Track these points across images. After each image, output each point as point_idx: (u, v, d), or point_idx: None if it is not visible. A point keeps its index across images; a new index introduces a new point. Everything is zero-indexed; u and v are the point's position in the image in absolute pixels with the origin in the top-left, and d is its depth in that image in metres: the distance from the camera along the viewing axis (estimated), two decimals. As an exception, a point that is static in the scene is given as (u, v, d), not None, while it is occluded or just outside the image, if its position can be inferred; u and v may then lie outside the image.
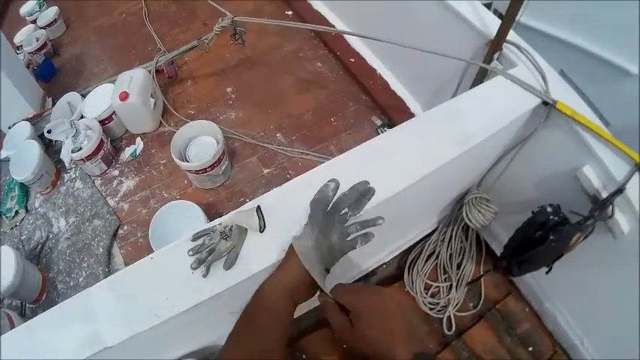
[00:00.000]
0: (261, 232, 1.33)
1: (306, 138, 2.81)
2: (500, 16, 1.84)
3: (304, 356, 2.05)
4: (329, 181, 1.16)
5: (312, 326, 2.11)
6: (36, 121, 3.12)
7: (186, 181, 2.74)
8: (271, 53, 3.37)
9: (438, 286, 2.31)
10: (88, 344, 1.20)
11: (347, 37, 3.19)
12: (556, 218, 1.64)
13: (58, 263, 2.58)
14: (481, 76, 2.00)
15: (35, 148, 2.79)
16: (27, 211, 2.86)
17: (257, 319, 0.96)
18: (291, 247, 1.06)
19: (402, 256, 2.41)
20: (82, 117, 2.95)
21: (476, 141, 1.52)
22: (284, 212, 1.32)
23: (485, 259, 2.37)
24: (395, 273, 2.41)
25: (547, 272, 1.80)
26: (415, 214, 2.17)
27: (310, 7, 3.41)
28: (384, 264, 2.40)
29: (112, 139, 3.01)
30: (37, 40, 3.79)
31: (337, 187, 1.14)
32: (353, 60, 3.09)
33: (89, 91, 3.11)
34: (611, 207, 1.54)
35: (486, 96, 1.70)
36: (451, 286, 2.30)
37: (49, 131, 2.73)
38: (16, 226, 2.80)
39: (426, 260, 2.35)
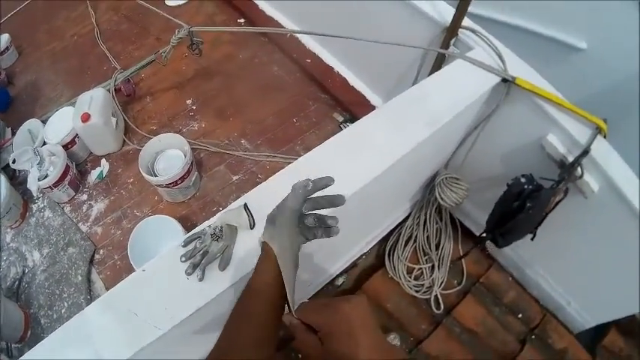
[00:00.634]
0: (251, 228, 1.34)
1: (271, 141, 2.81)
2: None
3: (300, 355, 2.02)
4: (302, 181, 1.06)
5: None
6: None
7: (156, 197, 2.70)
8: (227, 62, 3.35)
9: (421, 268, 2.34)
10: None
11: (302, 38, 3.19)
12: (530, 187, 1.71)
13: (38, 297, 2.49)
14: (439, 63, 2.04)
15: (1, 181, 2.67)
16: None
17: (250, 308, 0.93)
18: (265, 247, 0.99)
19: (380, 245, 2.43)
20: (44, 143, 2.86)
21: (444, 120, 1.57)
22: (271, 207, 1.27)
23: (462, 237, 2.42)
24: (375, 262, 2.43)
25: (532, 239, 1.87)
26: (388, 201, 2.19)
27: (262, 13, 3.37)
28: (363, 255, 2.41)
29: (77, 163, 2.93)
30: None
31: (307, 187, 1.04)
32: (309, 60, 3.09)
33: (49, 117, 3.03)
34: (579, 168, 1.61)
35: (448, 79, 1.75)
36: (433, 266, 2.33)
37: (13, 161, 2.65)
38: None
39: (405, 245, 2.37)
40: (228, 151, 2.78)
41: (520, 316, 2.24)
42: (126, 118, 3.03)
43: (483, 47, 1.84)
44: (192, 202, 2.64)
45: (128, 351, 1.17)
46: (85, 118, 2.68)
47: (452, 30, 1.87)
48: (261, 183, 1.44)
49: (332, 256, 2.22)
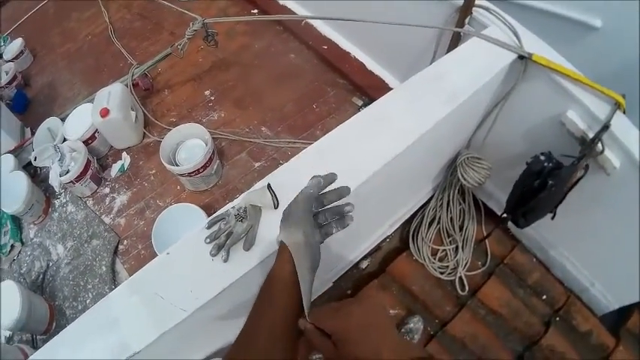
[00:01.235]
0: (275, 208, 1.36)
1: (291, 128, 2.86)
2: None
3: None
4: (312, 179, 1.04)
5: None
6: (18, 152, 3.12)
7: (179, 187, 2.77)
8: (243, 52, 3.41)
9: (445, 250, 2.36)
10: (113, 354, 1.20)
11: (317, 25, 3.23)
12: (550, 164, 1.71)
13: (63, 290, 2.57)
14: (455, 42, 2.06)
15: (22, 179, 2.78)
16: (22, 243, 2.84)
17: (274, 298, 0.92)
18: (282, 245, 0.98)
19: (403, 227, 2.46)
20: (64, 140, 2.94)
21: (462, 98, 1.58)
22: (295, 187, 1.27)
23: (486, 218, 2.43)
24: (399, 244, 2.46)
25: (552, 218, 1.87)
26: (410, 182, 2.22)
27: (275, 2, 3.43)
28: (387, 237, 2.43)
29: (98, 158, 3.02)
30: (7, 74, 3.76)
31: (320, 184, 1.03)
32: (326, 47, 3.13)
33: (68, 114, 3.11)
34: (600, 144, 1.60)
35: (464, 57, 1.76)
36: (457, 247, 2.35)
37: (35, 159, 2.74)
38: (14, 260, 2.78)
39: (429, 227, 2.40)
40: (249, 139, 2.84)
41: (544, 297, 2.25)
42: (145, 112, 3.11)
43: (498, 25, 1.85)
44: (215, 190, 2.70)
45: (154, 333, 1.21)
46: (104, 113, 2.75)
47: (466, 8, 1.90)
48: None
49: (356, 240, 2.24)
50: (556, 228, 1.94)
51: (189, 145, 2.69)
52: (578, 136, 1.70)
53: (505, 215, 2.04)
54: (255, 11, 3.66)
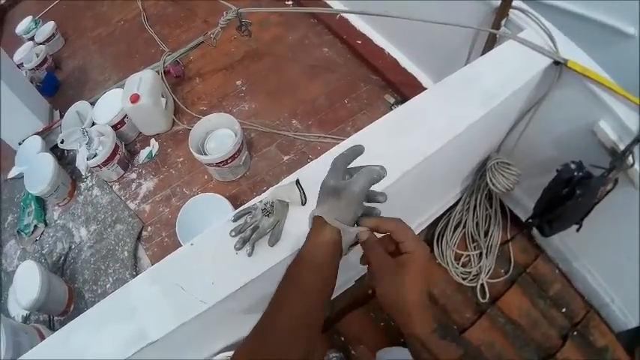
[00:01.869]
0: (303, 204, 1.36)
1: (322, 122, 2.87)
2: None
3: (343, 338, 2.10)
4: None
5: (348, 307, 2.17)
6: (46, 134, 3.19)
7: (206, 176, 2.80)
8: (276, 44, 3.43)
9: (469, 255, 2.37)
10: (131, 341, 1.23)
11: (351, 19, 3.25)
12: (580, 174, 1.69)
13: (83, 273, 2.63)
14: (490, 43, 2.06)
15: (49, 160, 2.85)
16: (46, 224, 2.91)
17: (301, 279, 0.91)
18: (312, 218, 0.97)
19: (428, 230, 2.47)
20: (93, 124, 3.01)
21: (498, 100, 1.58)
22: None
23: (511, 225, 2.43)
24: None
25: (577, 230, 1.86)
26: (439, 184, 2.23)
27: None
28: None
29: (126, 143, 3.08)
30: (37, 56, 3.87)
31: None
32: (360, 42, 3.15)
33: (97, 99, 3.18)
34: (630, 156, 1.59)
35: (500, 59, 1.76)
36: (481, 253, 2.36)
37: (62, 141, 2.80)
38: (37, 240, 2.85)
39: (454, 230, 2.41)
40: (278, 132, 2.86)
41: (564, 310, 2.23)
42: (175, 99, 3.16)
43: (534, 28, 1.84)
44: (242, 181, 2.73)
45: (173, 323, 1.22)
46: (135, 98, 2.81)
47: (502, 10, 1.89)
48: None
49: None
50: (581, 240, 1.93)
51: (218, 134, 2.72)
52: (608, 147, 1.69)
53: (531, 221, 2.03)
54: (290, 2, 3.70)
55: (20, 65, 3.89)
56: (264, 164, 2.78)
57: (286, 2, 3.72)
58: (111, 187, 2.95)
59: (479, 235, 2.39)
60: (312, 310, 0.88)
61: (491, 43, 2.07)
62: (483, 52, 2.07)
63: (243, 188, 2.71)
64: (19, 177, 3.11)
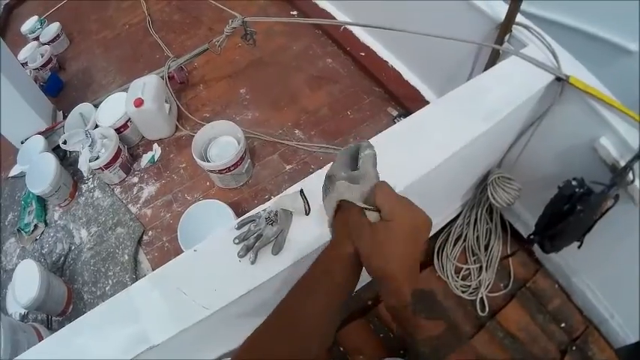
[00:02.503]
0: (306, 214, 1.39)
1: (324, 132, 2.90)
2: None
3: (342, 348, 2.12)
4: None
5: (348, 318, 2.18)
6: (49, 134, 3.22)
7: (208, 183, 2.82)
8: (280, 53, 3.46)
9: (469, 269, 2.39)
10: (132, 345, 1.24)
11: (356, 31, 3.28)
12: (581, 190, 1.72)
13: (83, 274, 2.64)
14: (493, 59, 2.10)
15: (51, 161, 2.87)
16: (46, 224, 2.93)
17: (316, 287, 0.87)
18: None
19: (428, 243, 2.47)
20: (96, 126, 3.03)
21: (500, 116, 1.61)
22: None
23: (511, 239, 2.45)
24: (423, 259, 2.47)
25: (579, 247, 1.88)
26: (440, 198, 2.24)
27: (315, 5, 3.50)
28: None
29: (129, 147, 3.10)
30: (42, 57, 3.89)
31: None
32: (363, 54, 3.18)
33: (101, 101, 3.20)
34: (631, 173, 1.61)
35: (503, 75, 1.79)
36: (481, 267, 2.38)
37: (64, 142, 2.80)
38: (36, 240, 2.87)
39: (454, 244, 2.43)
40: (281, 141, 2.88)
41: (563, 325, 2.25)
42: (179, 105, 3.18)
43: (537, 44, 1.88)
44: (244, 189, 2.75)
45: (174, 328, 1.24)
46: (138, 103, 2.83)
47: (506, 26, 1.92)
48: (314, 173, 1.45)
49: None
50: (581, 255, 1.93)
51: (221, 141, 2.76)
52: (609, 164, 1.71)
53: (532, 237, 2.05)
54: (295, 13, 3.72)
55: (24, 64, 3.90)
56: (266, 173, 2.80)
57: (291, 12, 3.74)
58: (112, 190, 2.97)
59: (479, 248, 2.42)
60: (321, 324, 0.84)
61: (494, 58, 2.10)
62: (486, 68, 2.13)
63: (245, 196, 2.73)
64: (21, 176, 3.14)
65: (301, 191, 1.40)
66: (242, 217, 1.41)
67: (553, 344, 2.20)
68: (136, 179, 3.00)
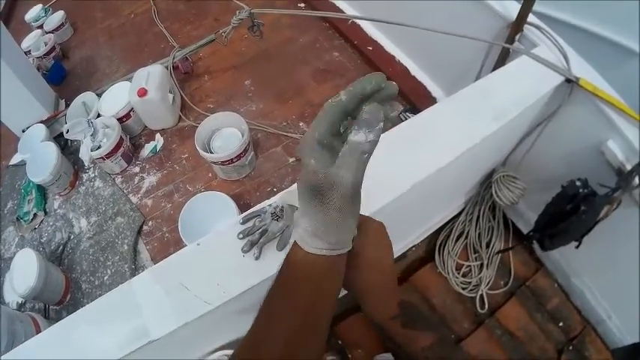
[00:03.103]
0: None
1: None
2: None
3: (340, 342, 2.13)
4: None
5: (348, 311, 2.18)
6: (50, 123, 3.21)
7: (210, 174, 2.83)
8: (287, 46, 3.47)
9: (469, 266, 2.41)
10: (131, 338, 1.23)
11: (364, 25, 3.29)
12: (585, 191, 1.72)
13: (81, 263, 2.64)
14: (503, 58, 2.11)
15: (52, 149, 2.86)
16: (46, 213, 2.93)
17: (294, 293, 0.76)
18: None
19: (430, 238, 2.50)
20: (98, 116, 3.03)
21: (510, 116, 1.61)
22: None
23: (513, 238, 2.47)
24: (424, 255, 2.50)
25: (577, 247, 1.87)
26: (444, 195, 2.26)
27: None
28: (413, 246, 2.47)
29: (131, 137, 3.10)
30: (45, 45, 3.91)
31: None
32: (371, 48, 3.18)
33: (104, 90, 3.21)
34: (636, 177, 1.61)
35: (513, 75, 1.79)
36: (482, 265, 2.39)
37: (67, 131, 2.81)
38: (35, 229, 2.87)
39: (456, 241, 2.44)
40: (285, 133, 2.89)
41: (561, 324, 2.27)
42: (183, 95, 3.19)
43: (548, 45, 1.87)
44: (247, 181, 2.75)
45: (175, 323, 1.23)
46: (142, 92, 2.83)
47: (517, 25, 1.93)
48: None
49: None
50: (581, 256, 1.94)
51: (225, 133, 2.76)
52: (615, 167, 1.72)
53: (532, 234, 2.05)
54: (302, 5, 3.72)
55: (27, 53, 3.91)
56: (269, 165, 2.81)
57: (299, 5, 3.74)
58: (113, 179, 2.97)
59: (480, 246, 2.43)
60: (308, 332, 0.76)
61: (503, 57, 2.11)
62: (495, 66, 2.14)
63: (247, 188, 2.73)
64: (21, 164, 3.15)
65: None
66: (247, 212, 1.41)
67: (551, 343, 2.22)
68: (137, 169, 3.00)
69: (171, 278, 1.30)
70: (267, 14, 2.66)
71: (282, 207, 1.35)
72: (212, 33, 3.00)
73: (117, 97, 3.09)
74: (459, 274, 2.40)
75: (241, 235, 1.34)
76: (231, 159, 2.56)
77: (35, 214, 2.91)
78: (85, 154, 2.88)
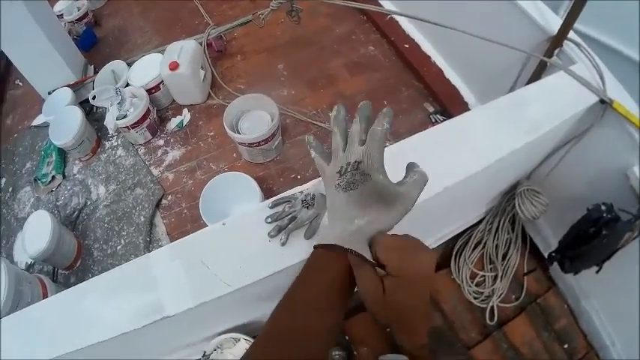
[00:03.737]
0: None
1: None
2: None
3: (347, 337, 2.17)
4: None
5: (357, 308, 2.14)
6: (77, 87, 3.27)
7: (235, 154, 2.86)
8: (323, 34, 3.50)
9: (484, 276, 2.43)
10: (144, 312, 1.24)
11: (402, 22, 3.31)
12: (609, 216, 1.72)
13: (95, 230, 2.70)
14: (539, 71, 2.13)
15: (77, 114, 2.92)
16: (64, 177, 2.99)
17: (308, 283, 0.89)
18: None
19: (448, 243, 2.51)
20: (127, 85, 3.08)
21: (543, 131, 1.61)
22: None
23: (529, 253, 2.50)
24: (440, 260, 2.53)
25: (597, 271, 1.89)
26: (468, 202, 2.27)
27: None
28: None
29: (158, 109, 3.15)
30: (78, 10, 3.95)
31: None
32: (407, 46, 3.21)
33: (135, 60, 3.26)
34: None
35: (550, 89, 1.80)
36: (496, 276, 2.41)
37: (93, 97, 2.83)
38: (52, 191, 2.93)
39: (473, 249, 2.47)
40: (314, 122, 2.93)
41: (566, 346, 2.29)
42: (214, 73, 3.23)
43: (585, 63, 1.88)
44: (271, 165, 2.79)
45: (191, 301, 1.23)
46: (174, 66, 2.88)
47: (558, 40, 1.94)
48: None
49: None
50: (594, 279, 1.94)
51: (254, 115, 2.80)
52: (638, 194, 1.73)
53: (554, 255, 2.06)
54: (342, -5, 3.78)
55: (60, 16, 3.94)
56: (295, 151, 2.84)
57: (338, -6, 3.77)
58: (136, 150, 3.02)
59: (497, 257, 2.45)
60: (313, 326, 0.86)
61: (540, 70, 2.13)
62: (531, 79, 2.17)
63: (271, 172, 2.77)
64: (44, 126, 3.20)
65: None
66: (277, 197, 1.40)
67: (553, 364, 2.21)
68: (161, 142, 3.05)
69: (192, 256, 1.31)
70: (307, 0, 2.71)
71: (314, 195, 1.35)
72: (247, 13, 3.05)
73: (147, 68, 3.14)
74: (472, 282, 2.43)
75: (269, 220, 1.33)
76: (259, 142, 2.60)
77: (53, 177, 2.96)
78: (109, 122, 2.93)
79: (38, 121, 3.34)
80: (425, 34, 3.21)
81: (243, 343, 1.71)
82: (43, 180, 2.95)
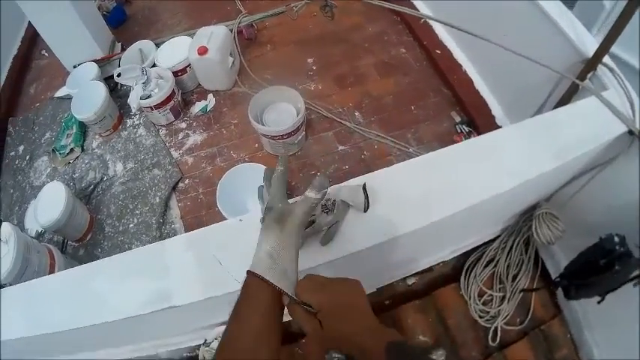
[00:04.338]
0: (364, 211, 1.38)
1: (384, 121, 2.93)
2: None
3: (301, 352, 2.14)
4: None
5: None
6: (103, 63, 3.33)
7: (257, 145, 2.89)
8: (355, 32, 3.51)
9: (492, 295, 2.42)
10: (152, 300, 1.27)
11: (435, 27, 3.32)
12: (622, 249, 1.69)
13: (109, 206, 2.75)
14: (570, 93, 2.12)
15: (101, 89, 2.98)
16: (83, 150, 3.04)
17: (242, 312, 0.98)
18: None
19: (459, 258, 2.53)
20: (153, 65, 3.13)
21: (571, 156, 1.62)
22: (389, 195, 1.37)
23: (539, 277, 2.49)
24: (451, 273, 2.54)
25: (599, 302, 1.86)
26: (488, 218, 2.29)
27: None
28: (441, 262, 2.51)
29: (183, 92, 3.19)
30: None
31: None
32: (439, 52, 3.21)
33: (163, 41, 3.30)
34: None
35: (581, 114, 1.79)
36: (504, 297, 2.41)
37: (119, 75, 2.87)
38: (69, 163, 3.00)
39: (485, 266, 2.46)
40: (339, 120, 2.95)
41: None
42: (243, 61, 3.25)
43: (617, 90, 1.86)
44: (292, 159, 2.80)
45: (200, 295, 1.26)
46: (203, 51, 2.92)
47: (592, 63, 1.92)
48: (365, 160, 1.46)
49: (413, 257, 2.34)
50: (602, 311, 1.91)
51: (280, 107, 2.82)
52: None
53: (559, 280, 2.04)
54: (377, -5, 3.79)
55: (90, -10, 3.94)
56: (317, 148, 2.87)
57: (373, -7, 3.79)
58: (158, 130, 3.07)
59: (507, 277, 2.45)
60: (270, 322, 0.98)
61: (571, 92, 2.13)
62: (562, 100, 2.17)
63: (291, 167, 2.77)
64: (67, 98, 3.27)
65: (364, 186, 1.39)
66: (296, 198, 1.36)
67: (548, 393, 2.18)
68: (183, 125, 3.10)
69: (206, 249, 1.34)
70: None
71: (334, 201, 1.37)
72: (281, 4, 3.07)
73: (175, 50, 3.19)
74: (479, 301, 2.42)
75: None
76: (282, 135, 2.62)
77: (72, 149, 3.02)
78: (133, 101, 2.94)
79: (61, 92, 3.41)
80: (458, 41, 3.22)
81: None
82: (62, 151, 3.01)
